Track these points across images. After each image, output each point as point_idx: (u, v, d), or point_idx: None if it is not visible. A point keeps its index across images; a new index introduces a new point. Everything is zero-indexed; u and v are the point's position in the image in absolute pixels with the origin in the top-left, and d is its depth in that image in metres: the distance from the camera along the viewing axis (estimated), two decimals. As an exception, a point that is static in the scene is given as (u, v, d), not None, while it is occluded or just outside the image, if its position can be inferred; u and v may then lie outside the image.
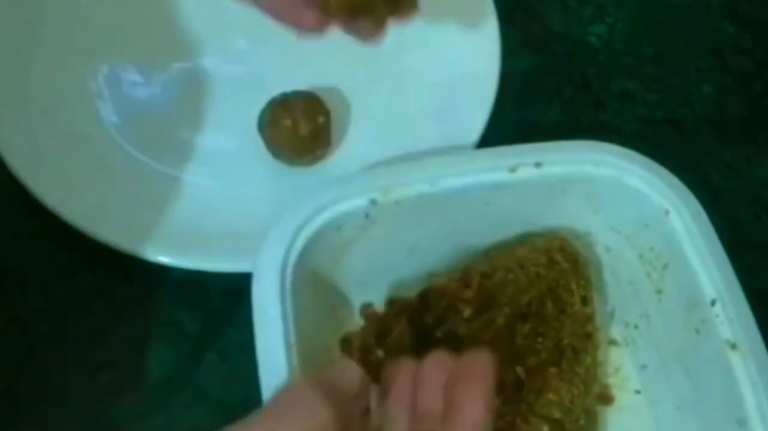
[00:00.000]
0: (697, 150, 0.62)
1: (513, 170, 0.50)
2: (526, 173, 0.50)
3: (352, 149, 0.59)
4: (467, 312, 0.50)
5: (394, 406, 0.43)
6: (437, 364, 0.43)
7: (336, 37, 0.61)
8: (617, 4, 0.67)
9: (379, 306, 0.53)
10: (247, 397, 0.51)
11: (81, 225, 0.53)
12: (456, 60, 0.61)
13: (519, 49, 0.64)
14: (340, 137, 0.59)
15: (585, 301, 0.51)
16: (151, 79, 0.60)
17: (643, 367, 0.53)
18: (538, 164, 0.50)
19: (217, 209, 0.56)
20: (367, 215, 0.49)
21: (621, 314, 0.54)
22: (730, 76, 0.65)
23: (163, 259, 0.53)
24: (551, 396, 0.47)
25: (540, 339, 0.49)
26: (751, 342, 0.46)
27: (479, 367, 0.42)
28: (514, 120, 0.62)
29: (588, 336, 0.51)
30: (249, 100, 0.57)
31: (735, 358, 0.45)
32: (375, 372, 0.51)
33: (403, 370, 0.44)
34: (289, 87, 0.57)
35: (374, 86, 0.61)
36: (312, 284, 0.49)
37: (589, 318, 0.51)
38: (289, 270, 0.46)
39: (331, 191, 0.48)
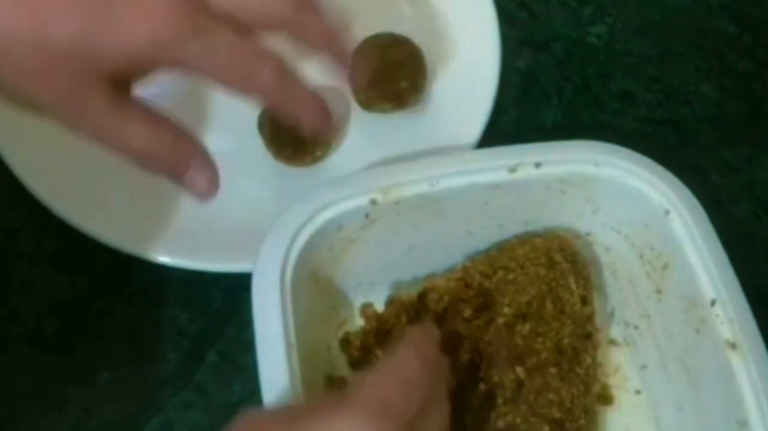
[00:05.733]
0: (697, 150, 0.62)
1: (513, 170, 0.50)
2: (526, 173, 0.50)
3: (352, 149, 0.59)
4: (467, 312, 0.50)
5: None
6: None
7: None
8: (617, 4, 0.67)
9: (379, 306, 0.53)
10: (247, 397, 0.51)
11: (81, 225, 0.53)
12: (456, 60, 0.61)
13: (519, 49, 0.64)
14: (340, 137, 0.59)
15: (585, 301, 0.51)
16: (151, 80, 0.60)
17: (643, 367, 0.53)
18: (538, 164, 0.50)
19: (217, 209, 0.55)
20: (367, 215, 0.49)
21: (621, 314, 0.54)
22: (730, 76, 0.65)
23: (164, 259, 0.53)
24: (551, 396, 0.47)
25: (540, 339, 0.49)
26: (751, 342, 0.46)
27: None
28: (514, 120, 0.62)
29: (588, 336, 0.51)
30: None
31: (735, 358, 0.45)
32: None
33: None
34: (289, 87, 0.57)
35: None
36: (312, 284, 0.49)
37: (589, 318, 0.51)
38: (289, 270, 0.46)
39: (331, 191, 0.48)
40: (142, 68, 0.38)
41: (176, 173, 0.40)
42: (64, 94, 0.37)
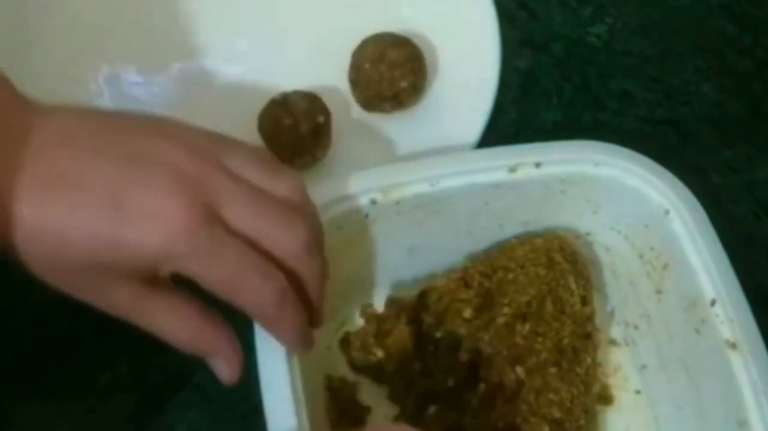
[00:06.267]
0: (697, 150, 0.62)
1: (513, 170, 0.50)
2: (526, 173, 0.50)
3: (352, 149, 0.59)
4: (467, 312, 0.50)
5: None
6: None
7: (334, 36, 0.61)
8: (617, 4, 0.67)
9: (379, 306, 0.53)
10: (247, 397, 0.51)
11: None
12: (456, 60, 0.61)
13: (519, 49, 0.64)
14: (340, 137, 0.59)
15: (585, 301, 0.51)
16: (151, 79, 0.60)
17: (643, 367, 0.53)
18: (537, 164, 0.50)
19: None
20: (367, 215, 0.49)
21: (621, 314, 0.54)
22: (730, 76, 0.65)
23: (163, 259, 0.52)
24: (551, 396, 0.47)
25: (540, 339, 0.49)
26: (751, 342, 0.46)
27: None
28: (514, 120, 0.62)
29: (588, 336, 0.51)
30: (249, 100, 0.57)
31: (735, 358, 0.45)
32: (375, 372, 0.51)
33: None
34: (289, 87, 0.57)
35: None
36: (312, 284, 0.49)
37: (589, 318, 0.51)
38: (289, 270, 0.46)
39: (331, 191, 0.48)
40: (152, 272, 0.39)
41: (200, 355, 0.42)
42: (84, 288, 0.40)
